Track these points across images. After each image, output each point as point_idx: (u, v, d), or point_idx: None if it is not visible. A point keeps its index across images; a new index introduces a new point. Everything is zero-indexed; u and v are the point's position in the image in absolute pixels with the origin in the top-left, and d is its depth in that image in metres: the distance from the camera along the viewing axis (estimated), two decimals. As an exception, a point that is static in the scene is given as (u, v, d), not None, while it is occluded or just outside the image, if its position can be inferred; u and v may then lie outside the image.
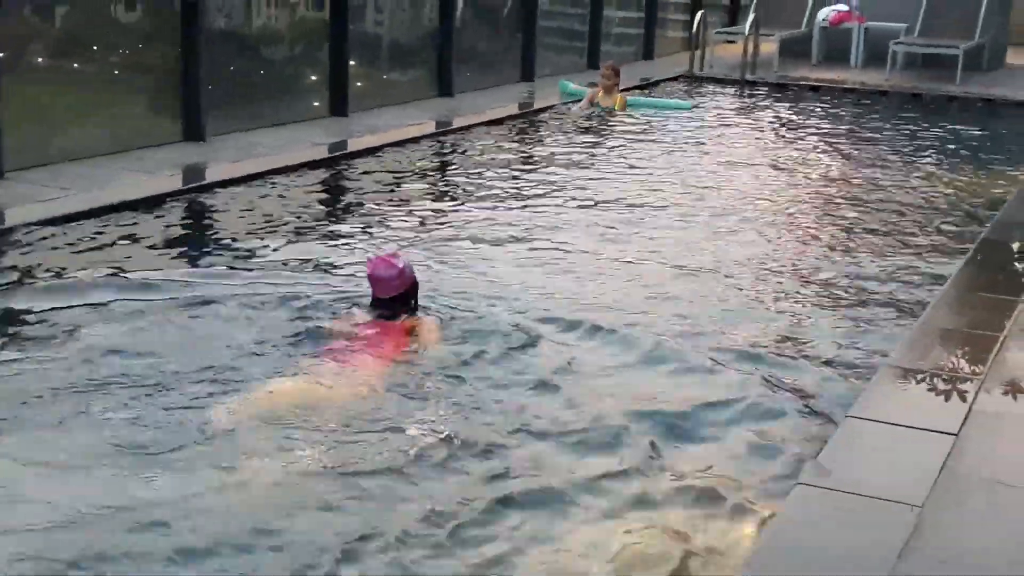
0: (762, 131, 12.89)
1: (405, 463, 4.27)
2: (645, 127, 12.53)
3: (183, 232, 7.72)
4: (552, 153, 10.86)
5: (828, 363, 5.58)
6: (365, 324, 5.64)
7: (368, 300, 5.88)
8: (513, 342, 5.63)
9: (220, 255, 7.02)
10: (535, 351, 5.54)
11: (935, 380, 5.17)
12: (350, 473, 4.16)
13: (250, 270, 6.57)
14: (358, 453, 4.29)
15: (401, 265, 5.81)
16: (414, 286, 5.85)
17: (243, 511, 3.86)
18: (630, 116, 13.06)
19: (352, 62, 12.34)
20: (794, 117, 14.00)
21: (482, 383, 5.11)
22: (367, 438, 4.45)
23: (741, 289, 6.74)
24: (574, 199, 9.00)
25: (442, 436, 4.48)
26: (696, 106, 14.04)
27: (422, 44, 13.49)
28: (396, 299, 5.80)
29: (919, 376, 5.21)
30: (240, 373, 4.97)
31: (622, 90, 13.69)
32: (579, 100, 13.35)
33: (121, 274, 6.36)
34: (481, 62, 14.66)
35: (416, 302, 5.86)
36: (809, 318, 6.32)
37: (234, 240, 7.45)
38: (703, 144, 11.60)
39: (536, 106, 13.52)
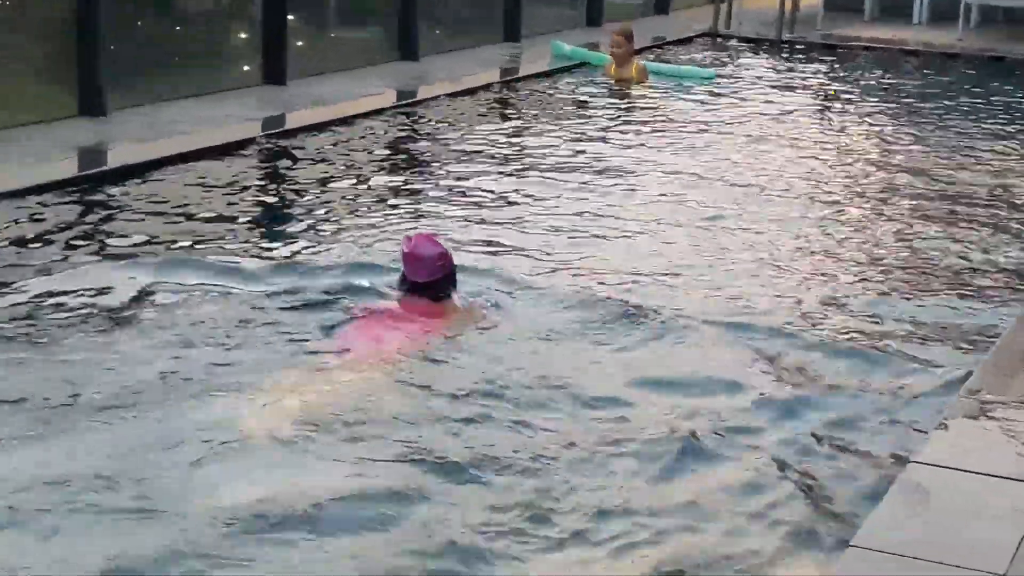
0: (800, 107, 13.09)
1: (437, 480, 4.68)
2: (658, 103, 12.80)
3: (76, 231, 7.81)
4: (544, 135, 11.12)
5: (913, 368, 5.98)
6: (399, 308, 6.16)
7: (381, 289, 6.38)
8: (568, 331, 6.16)
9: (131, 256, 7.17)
10: (592, 346, 6.01)
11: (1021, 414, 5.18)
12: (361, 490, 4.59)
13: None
14: (372, 470, 4.70)
15: (442, 247, 6.30)
16: (455, 271, 6.33)
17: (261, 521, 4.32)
18: (651, 88, 13.43)
19: (291, 17, 12.45)
20: (843, 88, 14.17)
21: (527, 387, 5.53)
22: (390, 447, 4.91)
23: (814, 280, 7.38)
24: (584, 199, 9.11)
25: (474, 453, 4.85)
26: (720, 76, 14.27)
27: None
28: (435, 283, 6.28)
29: (1002, 409, 5.28)
30: (251, 371, 5.50)
31: (637, 51, 13.91)
32: (581, 64, 13.90)
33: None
34: (454, 18, 14.88)
35: (455, 288, 6.32)
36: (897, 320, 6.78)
37: (151, 240, 7.56)
38: (728, 125, 11.89)
39: (523, 72, 13.64)
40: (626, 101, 12.80)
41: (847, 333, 6.54)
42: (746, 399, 5.54)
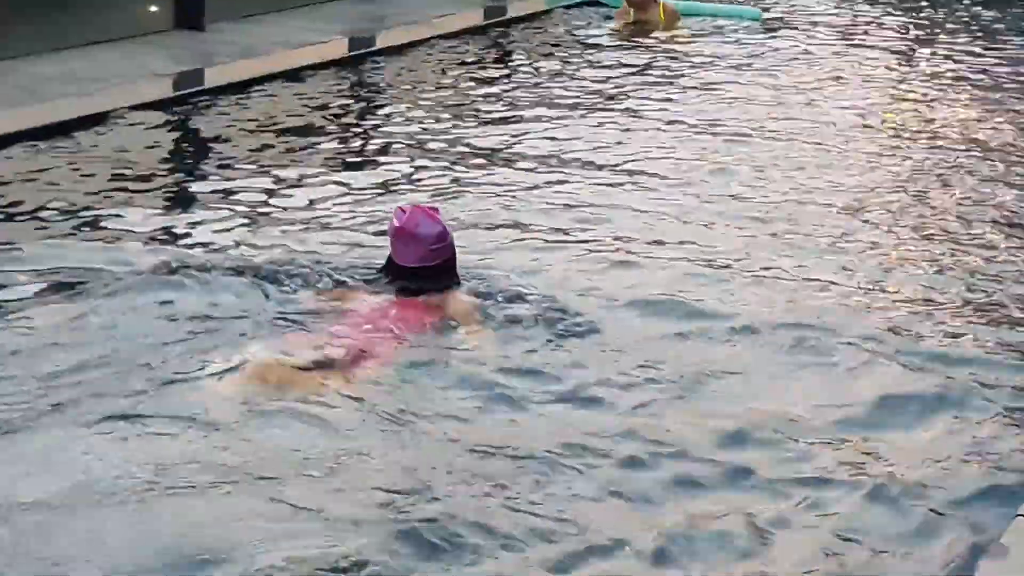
0: (880, 62, 12.69)
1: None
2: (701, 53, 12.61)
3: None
4: (546, 97, 10.82)
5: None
6: (372, 302, 6.03)
7: (362, 272, 6.35)
8: (574, 330, 6.10)
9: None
10: (603, 346, 6.01)
11: None
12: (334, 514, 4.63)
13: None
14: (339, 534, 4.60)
15: (443, 226, 6.12)
16: (455, 259, 6.18)
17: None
18: (681, 32, 13.22)
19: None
20: (934, 32, 14.01)
21: (529, 394, 5.54)
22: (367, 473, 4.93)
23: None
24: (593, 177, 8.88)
25: (463, 480, 4.89)
26: (766, 16, 14.11)
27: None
28: (429, 271, 6.09)
29: None
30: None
31: None
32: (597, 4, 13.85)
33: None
34: None
35: (457, 282, 6.21)
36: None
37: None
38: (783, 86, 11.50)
39: (512, 13, 13.29)
40: (646, 54, 12.34)
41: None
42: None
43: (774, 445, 5.24)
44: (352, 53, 11.41)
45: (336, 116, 9.92)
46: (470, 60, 11.66)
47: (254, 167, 8.59)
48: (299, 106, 10.01)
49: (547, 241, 7.39)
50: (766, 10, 14.30)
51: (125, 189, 8.07)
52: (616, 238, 7.46)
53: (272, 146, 9.09)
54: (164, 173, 8.55)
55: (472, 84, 10.83)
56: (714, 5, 14.23)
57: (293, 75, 10.59)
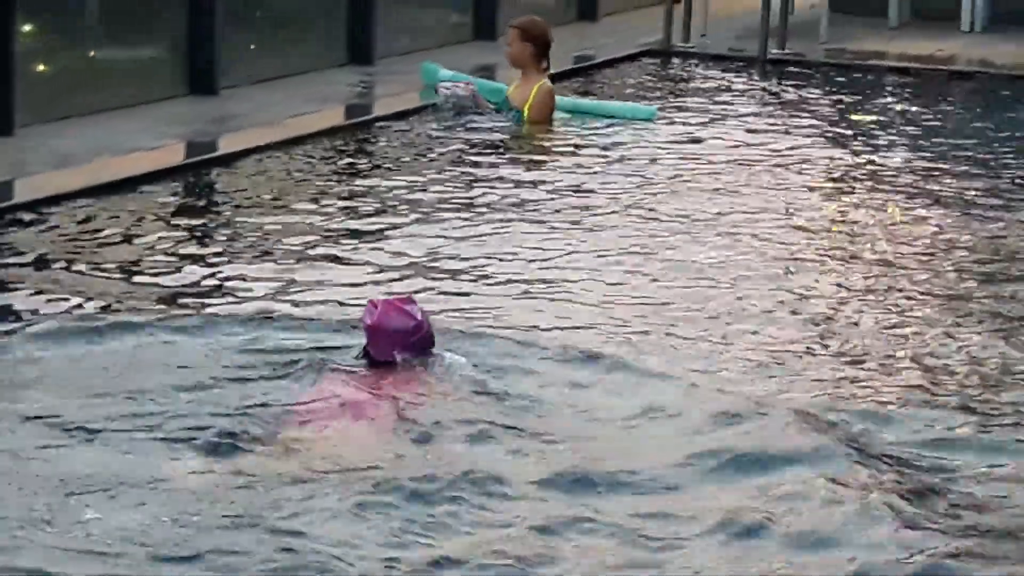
0: (802, 165, 11.88)
1: None
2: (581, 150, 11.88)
3: None
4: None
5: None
6: (358, 390, 6.36)
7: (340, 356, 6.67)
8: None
9: None
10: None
11: None
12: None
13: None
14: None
15: (420, 316, 6.53)
16: (432, 341, 6.60)
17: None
18: (565, 130, 12.40)
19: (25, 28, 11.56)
20: (862, 133, 13.22)
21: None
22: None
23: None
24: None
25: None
26: (661, 114, 13.22)
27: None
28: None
29: None
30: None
31: (553, 76, 12.89)
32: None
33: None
34: (273, 32, 13.78)
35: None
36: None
37: None
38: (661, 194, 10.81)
39: (377, 112, 12.69)
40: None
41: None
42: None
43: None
44: (189, 160, 10.91)
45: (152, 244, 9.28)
46: (321, 169, 10.98)
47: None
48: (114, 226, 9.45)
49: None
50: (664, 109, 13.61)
51: None
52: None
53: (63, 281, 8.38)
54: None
55: (322, 196, 10.18)
56: (604, 103, 13.52)
57: (116, 187, 10.02)
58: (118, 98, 12.06)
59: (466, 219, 10.42)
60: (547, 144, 12.28)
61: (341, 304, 7.99)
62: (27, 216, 9.37)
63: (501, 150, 11.91)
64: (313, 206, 10.03)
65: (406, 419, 6.12)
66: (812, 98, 14.48)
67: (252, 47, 13.50)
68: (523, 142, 12.29)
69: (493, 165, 11.53)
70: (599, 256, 9.31)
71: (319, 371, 6.57)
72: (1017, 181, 11.56)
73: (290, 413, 6.22)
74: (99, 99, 11.91)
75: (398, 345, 6.43)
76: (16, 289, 8.22)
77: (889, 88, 15.06)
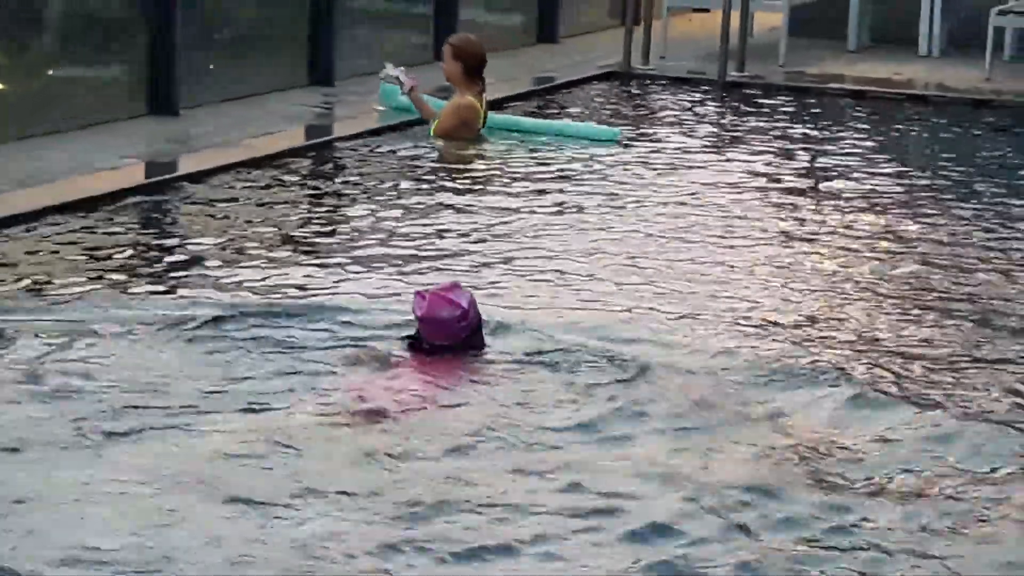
0: (761, 188, 11.83)
1: None
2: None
3: None
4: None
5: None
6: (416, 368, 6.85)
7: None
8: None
9: None
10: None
11: None
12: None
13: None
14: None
15: (466, 304, 6.88)
16: (480, 327, 6.99)
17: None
18: (493, 149, 12.22)
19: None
20: (819, 155, 13.23)
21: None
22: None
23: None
24: None
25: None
26: (625, 139, 13.03)
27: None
28: (458, 345, 6.93)
29: None
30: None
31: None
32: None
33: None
34: (233, 52, 13.77)
35: (482, 343, 7.10)
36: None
37: None
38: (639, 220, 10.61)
39: (338, 132, 12.64)
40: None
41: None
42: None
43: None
44: (150, 180, 10.83)
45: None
46: (278, 190, 10.88)
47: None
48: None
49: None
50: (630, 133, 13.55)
51: None
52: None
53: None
54: None
55: (284, 217, 10.11)
56: (568, 124, 13.46)
57: (76, 207, 9.85)
58: (79, 118, 12.07)
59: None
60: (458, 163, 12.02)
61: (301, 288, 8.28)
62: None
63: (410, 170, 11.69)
64: (272, 227, 9.92)
65: (461, 405, 6.42)
66: (770, 120, 14.51)
67: (213, 67, 13.53)
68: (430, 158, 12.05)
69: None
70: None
71: (370, 361, 6.85)
72: (972, 202, 11.56)
73: (344, 399, 6.47)
74: (59, 119, 11.90)
75: (448, 333, 6.79)
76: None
77: (847, 110, 15.14)
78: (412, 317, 7.07)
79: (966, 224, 10.93)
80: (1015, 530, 5.75)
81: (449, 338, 6.87)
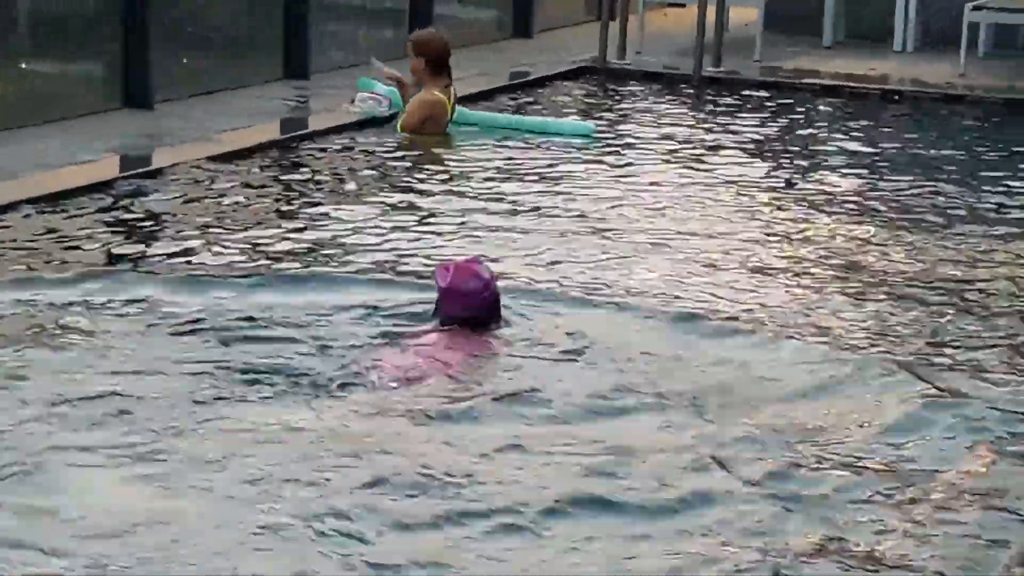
0: (732, 183, 11.69)
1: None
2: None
3: None
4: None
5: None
6: (433, 344, 6.90)
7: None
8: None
9: None
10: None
11: None
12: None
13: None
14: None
15: (488, 276, 7.08)
16: (499, 301, 7.13)
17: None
18: (461, 145, 12.15)
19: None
20: (794, 149, 13.20)
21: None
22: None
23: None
24: None
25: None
26: (599, 132, 13.03)
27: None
28: (477, 319, 7.01)
29: None
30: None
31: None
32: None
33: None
34: (206, 45, 13.75)
35: (500, 318, 7.20)
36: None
37: None
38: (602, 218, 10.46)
39: (313, 127, 12.59)
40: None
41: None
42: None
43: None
44: (124, 174, 10.69)
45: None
46: (252, 183, 10.79)
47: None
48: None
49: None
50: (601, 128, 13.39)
51: None
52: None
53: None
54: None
55: (259, 214, 10.07)
56: (542, 120, 13.46)
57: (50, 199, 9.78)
58: (52, 112, 12.08)
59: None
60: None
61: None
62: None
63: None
64: (249, 224, 9.84)
65: (483, 377, 6.59)
66: (744, 115, 14.50)
67: (187, 61, 13.49)
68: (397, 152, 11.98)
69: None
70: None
71: (391, 333, 7.00)
72: (947, 194, 11.54)
73: (372, 369, 6.57)
74: (32, 113, 11.92)
75: (469, 304, 6.90)
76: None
77: (821, 106, 15.15)
78: (433, 288, 7.11)
79: (937, 218, 10.84)
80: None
81: (468, 309, 6.94)
